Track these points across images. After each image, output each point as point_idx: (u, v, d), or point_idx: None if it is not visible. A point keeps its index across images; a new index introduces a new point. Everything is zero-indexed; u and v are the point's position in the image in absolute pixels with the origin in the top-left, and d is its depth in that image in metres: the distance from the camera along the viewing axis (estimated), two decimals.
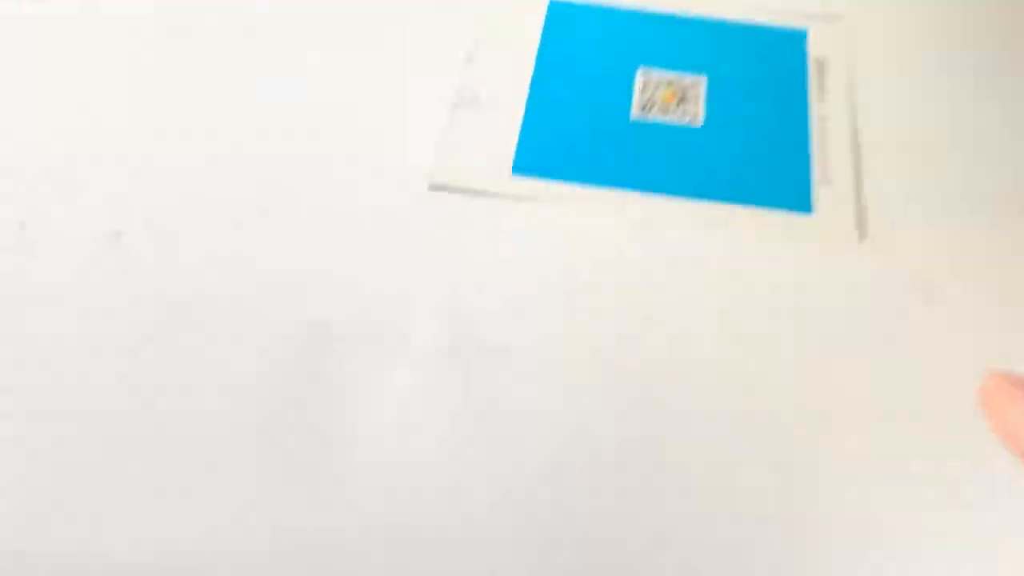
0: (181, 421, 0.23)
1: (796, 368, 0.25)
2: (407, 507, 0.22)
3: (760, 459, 0.23)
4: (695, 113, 0.30)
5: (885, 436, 0.24)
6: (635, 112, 0.30)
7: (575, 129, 0.29)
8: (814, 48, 0.32)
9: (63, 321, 0.25)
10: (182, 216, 0.27)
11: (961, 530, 0.22)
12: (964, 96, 0.31)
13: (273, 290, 0.25)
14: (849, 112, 0.30)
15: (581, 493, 0.22)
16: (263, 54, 0.31)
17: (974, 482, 0.23)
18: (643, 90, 0.30)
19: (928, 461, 0.23)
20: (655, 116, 0.30)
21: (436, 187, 0.28)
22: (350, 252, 0.26)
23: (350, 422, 0.23)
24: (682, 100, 0.30)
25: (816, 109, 0.30)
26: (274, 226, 0.27)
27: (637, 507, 0.22)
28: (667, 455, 0.23)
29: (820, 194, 0.28)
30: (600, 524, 0.22)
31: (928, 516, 0.22)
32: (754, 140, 0.29)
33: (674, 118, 0.30)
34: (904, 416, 0.24)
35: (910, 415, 0.24)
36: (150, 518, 0.22)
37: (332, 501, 0.22)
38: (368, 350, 0.24)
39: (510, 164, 0.29)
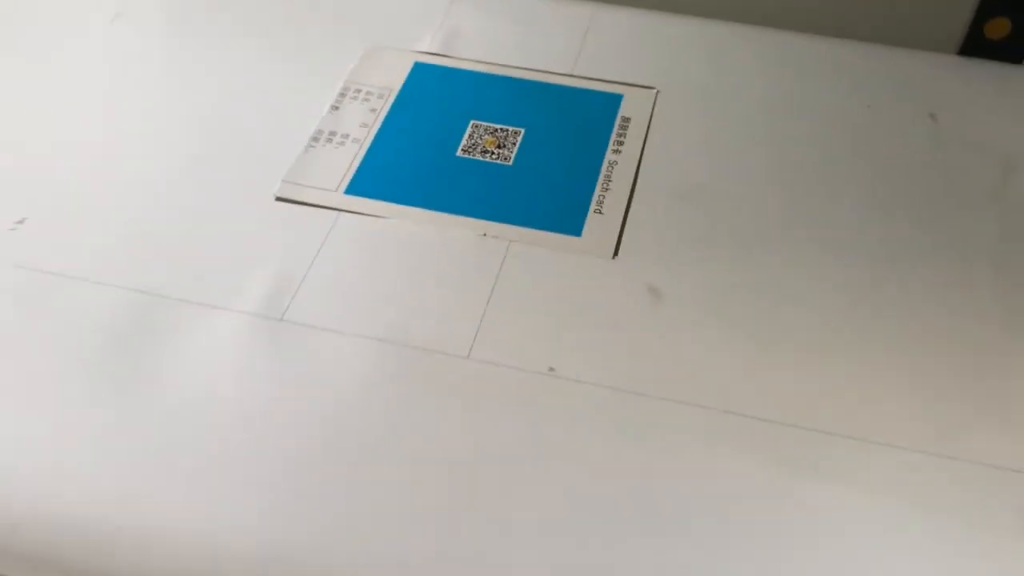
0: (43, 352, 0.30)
1: (549, 345, 0.31)
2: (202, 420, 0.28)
3: (508, 437, 0.29)
4: (508, 156, 0.37)
5: (619, 406, 0.29)
6: (459, 152, 0.37)
7: (407, 162, 0.36)
8: (624, 110, 0.39)
9: None
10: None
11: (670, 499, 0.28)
12: (729, 155, 0.37)
13: (131, 259, 0.32)
14: (635, 160, 0.37)
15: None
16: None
17: (693, 439, 0.28)
18: (470, 136, 0.37)
19: (649, 429, 0.29)
20: (476, 157, 0.37)
21: (280, 199, 0.35)
22: (198, 236, 0.33)
23: (169, 362, 0.30)
24: (501, 145, 0.37)
25: (609, 156, 0.37)
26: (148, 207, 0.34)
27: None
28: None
29: (592, 221, 0.34)
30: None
31: (639, 485, 0.28)
32: (550, 177, 0.36)
33: (491, 158, 0.37)
34: (633, 390, 0.30)
35: (638, 390, 0.30)
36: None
37: (138, 423, 0.29)
38: (198, 311, 0.31)
39: (345, 186, 0.36)
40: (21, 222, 0.34)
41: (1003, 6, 0.47)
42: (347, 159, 0.36)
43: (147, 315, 0.31)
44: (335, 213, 0.35)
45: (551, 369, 0.30)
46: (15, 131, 0.37)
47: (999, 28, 0.49)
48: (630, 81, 0.40)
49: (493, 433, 0.28)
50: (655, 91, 0.39)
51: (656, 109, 0.39)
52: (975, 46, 0.48)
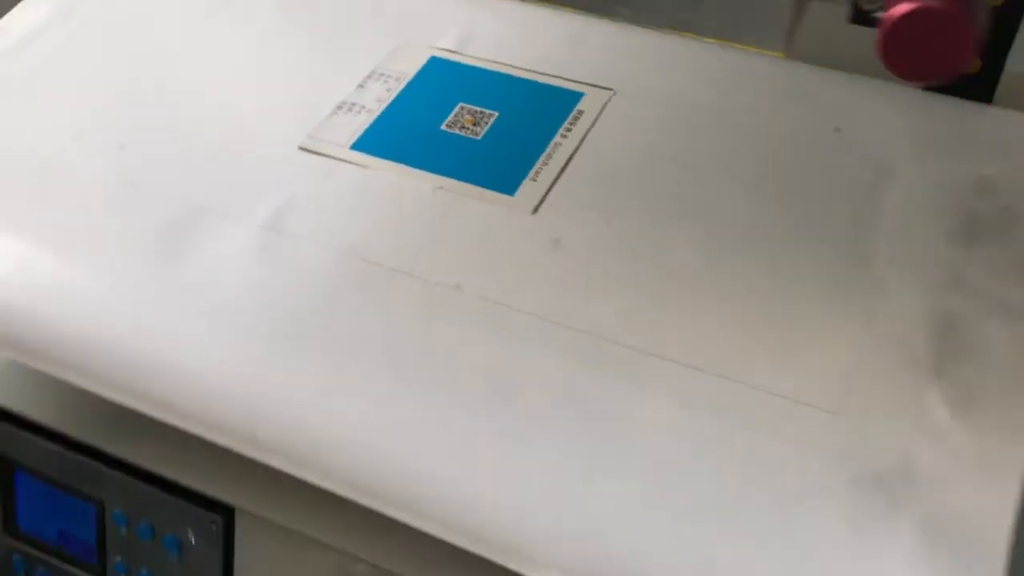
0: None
1: (460, 265, 0.41)
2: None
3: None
4: (479, 132, 0.48)
5: (495, 314, 0.40)
6: (443, 126, 0.48)
7: (399, 130, 0.48)
8: (581, 105, 0.49)
9: None
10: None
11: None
12: (655, 149, 0.47)
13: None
14: (575, 145, 0.47)
15: None
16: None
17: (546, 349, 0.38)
18: (455, 115, 0.49)
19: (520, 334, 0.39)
20: (460, 132, 0.48)
21: (302, 149, 0.47)
22: (237, 164, 0.46)
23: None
24: (476, 124, 0.48)
25: (556, 139, 0.47)
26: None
27: None
28: None
29: (525, 186, 0.45)
30: None
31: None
32: (504, 150, 0.47)
33: (466, 133, 0.48)
34: (533, 315, 0.40)
35: (539, 315, 0.40)
36: None
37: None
38: (227, 221, 0.44)
39: (356, 137, 0.47)
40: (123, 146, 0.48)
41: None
42: (359, 124, 0.48)
43: (192, 214, 0.44)
44: (338, 162, 0.47)
45: (458, 286, 0.41)
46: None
47: None
48: (595, 83, 0.50)
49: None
50: (612, 92, 0.49)
51: (608, 107, 0.49)
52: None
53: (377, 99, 0.50)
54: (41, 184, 0.46)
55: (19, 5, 0.57)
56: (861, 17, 0.25)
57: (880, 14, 0.24)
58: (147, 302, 0.41)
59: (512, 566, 0.35)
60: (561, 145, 0.47)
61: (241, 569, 0.50)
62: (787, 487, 0.34)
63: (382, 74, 0.51)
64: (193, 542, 0.51)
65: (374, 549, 0.44)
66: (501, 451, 0.36)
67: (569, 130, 0.48)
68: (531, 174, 0.46)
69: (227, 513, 0.49)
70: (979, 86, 0.52)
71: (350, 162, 0.47)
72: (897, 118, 0.47)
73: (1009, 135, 0.46)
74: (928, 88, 0.53)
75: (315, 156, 0.47)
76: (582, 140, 0.47)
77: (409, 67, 0.52)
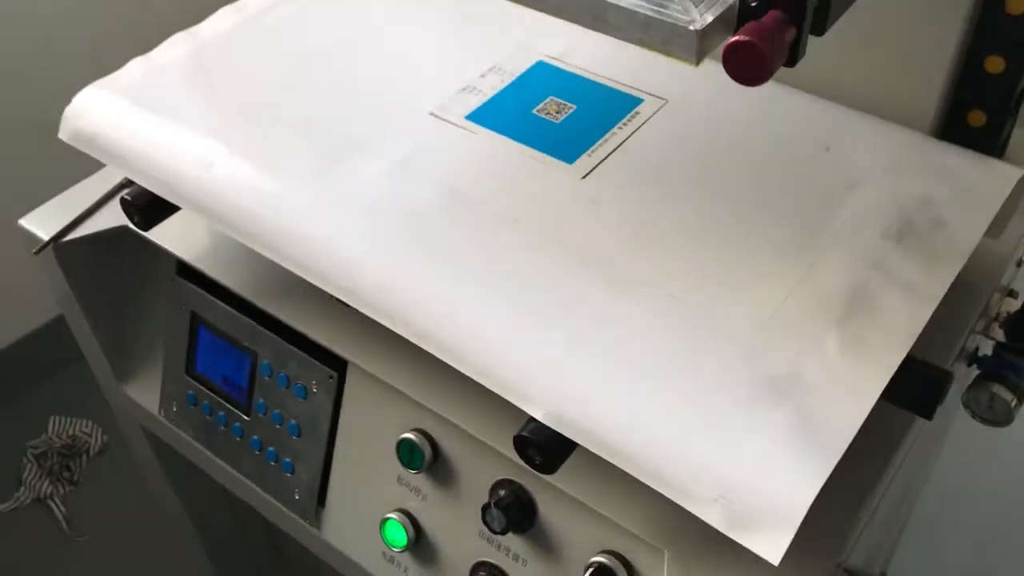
0: None
1: (517, 204, 0.58)
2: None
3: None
4: (559, 117, 0.65)
5: (545, 245, 0.57)
6: (533, 111, 0.65)
7: (502, 110, 0.65)
8: (640, 108, 0.65)
9: None
10: None
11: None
12: (688, 147, 0.62)
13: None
14: (628, 134, 0.63)
15: None
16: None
17: (566, 266, 0.55)
18: (544, 104, 0.66)
19: (554, 251, 0.56)
20: (545, 116, 0.65)
21: (431, 114, 0.66)
22: (383, 119, 0.65)
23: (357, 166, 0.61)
24: (558, 112, 0.65)
25: (614, 129, 0.63)
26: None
27: None
28: None
29: (582, 159, 0.62)
30: None
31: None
32: (573, 131, 0.63)
33: (549, 117, 0.65)
34: (563, 243, 0.57)
35: (566, 243, 0.57)
36: None
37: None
38: (371, 155, 0.63)
39: (471, 110, 0.65)
40: (311, 94, 0.67)
41: (978, 98, 0.66)
42: (475, 102, 0.66)
43: (349, 147, 0.63)
44: (455, 127, 0.65)
45: (517, 219, 0.58)
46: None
47: (977, 118, 0.67)
48: (654, 93, 0.66)
49: None
50: (664, 101, 0.65)
51: (659, 112, 0.65)
52: (954, 131, 0.65)
53: (492, 86, 0.68)
54: (257, 117, 0.66)
55: None
56: None
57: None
58: (311, 198, 0.60)
59: (516, 403, 0.52)
60: (616, 134, 0.63)
61: (346, 416, 0.69)
62: (707, 368, 0.49)
63: (500, 69, 0.69)
64: (315, 391, 0.70)
65: (444, 406, 0.62)
66: (525, 323, 0.53)
67: (625, 124, 0.64)
68: (588, 151, 0.62)
69: (342, 369, 0.68)
70: (987, 143, 0.64)
71: (463, 128, 0.65)
72: (879, 147, 0.61)
73: (959, 167, 0.59)
74: (942, 137, 0.65)
75: (440, 120, 0.65)
76: (632, 133, 0.63)
77: (521, 65, 0.69)
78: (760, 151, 0.62)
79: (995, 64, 0.64)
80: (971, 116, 0.67)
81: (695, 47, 0.40)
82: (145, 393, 0.82)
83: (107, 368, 0.83)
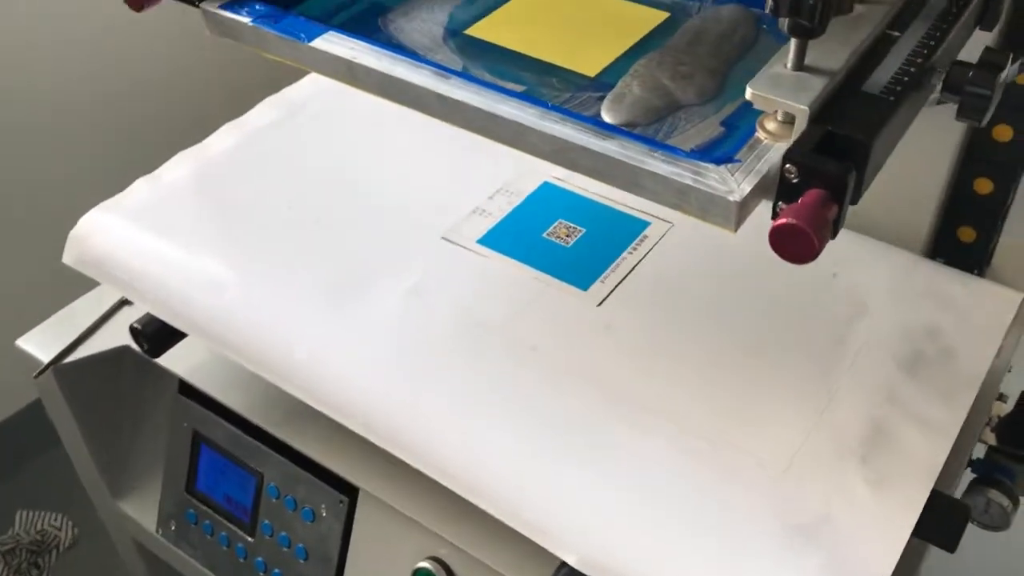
0: None
1: (546, 347, 0.59)
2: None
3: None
4: (569, 241, 0.66)
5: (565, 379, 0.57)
6: (544, 235, 0.66)
7: (513, 233, 0.66)
8: (647, 231, 0.66)
9: None
10: None
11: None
12: (697, 270, 0.63)
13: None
14: (639, 259, 0.64)
15: None
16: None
17: (593, 407, 0.55)
18: (554, 227, 0.67)
19: (571, 383, 0.56)
20: (555, 240, 0.66)
21: (443, 238, 0.66)
22: (397, 245, 0.65)
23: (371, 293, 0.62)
24: (568, 235, 0.66)
25: (624, 254, 0.64)
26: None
27: None
28: None
29: (596, 285, 0.62)
30: None
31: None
32: (585, 255, 0.64)
33: (559, 241, 0.66)
34: (580, 375, 0.57)
35: (583, 374, 0.57)
36: None
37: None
38: (385, 282, 0.63)
39: (482, 234, 0.66)
40: (318, 220, 0.68)
41: (967, 217, 0.68)
42: (486, 225, 0.67)
43: (361, 274, 0.63)
44: (467, 251, 0.65)
45: (534, 348, 0.58)
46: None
47: (967, 234, 0.70)
48: (660, 216, 0.67)
49: None
50: (671, 225, 0.67)
51: (666, 236, 0.66)
52: (946, 246, 0.68)
53: (501, 208, 0.69)
54: (267, 241, 0.66)
55: (255, 107, 0.79)
56: (775, 216, 0.41)
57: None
58: (326, 329, 0.60)
59: (541, 544, 0.52)
60: (626, 259, 0.64)
61: (356, 541, 0.68)
62: (738, 517, 0.50)
63: (508, 190, 0.70)
64: (324, 515, 0.69)
65: (460, 536, 0.61)
66: (550, 462, 0.53)
67: (634, 249, 0.65)
68: (601, 277, 0.63)
69: (353, 494, 0.67)
70: (975, 259, 0.67)
71: (475, 252, 0.65)
72: (882, 272, 0.63)
73: (962, 294, 0.61)
74: (934, 252, 0.68)
75: (452, 245, 0.66)
76: (643, 258, 0.64)
77: (528, 187, 0.70)
78: (767, 277, 0.63)
79: (984, 185, 0.67)
80: (961, 232, 0.70)
81: (734, 217, 0.41)
82: (142, 510, 0.81)
83: (102, 485, 0.81)
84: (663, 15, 0.56)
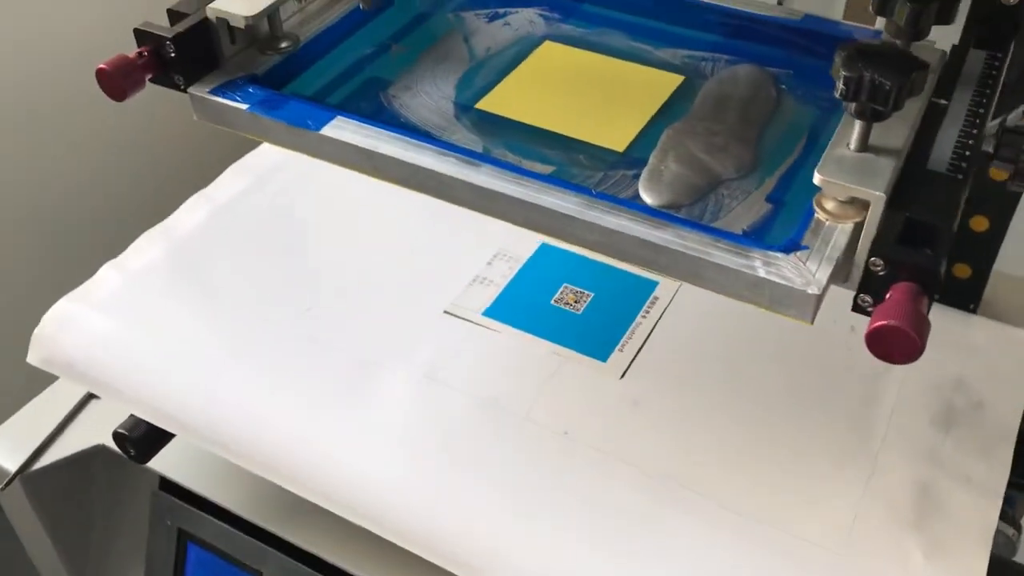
0: None
1: (565, 418, 0.56)
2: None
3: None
4: (579, 307, 0.63)
5: (591, 459, 0.54)
6: (552, 301, 0.64)
7: (520, 302, 0.63)
8: (657, 291, 0.64)
9: None
10: None
11: None
12: (710, 336, 0.61)
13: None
14: (653, 324, 0.62)
15: None
16: None
17: (632, 491, 0.53)
18: (560, 292, 0.64)
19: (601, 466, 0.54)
20: (564, 307, 0.63)
21: (447, 313, 0.63)
22: (403, 323, 0.61)
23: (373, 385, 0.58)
24: (577, 301, 0.64)
25: (638, 319, 0.62)
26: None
27: None
28: None
29: (615, 355, 0.60)
30: None
31: None
32: (599, 324, 0.62)
33: (569, 308, 0.63)
34: (618, 458, 0.55)
35: (620, 458, 0.54)
36: None
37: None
38: (391, 372, 0.59)
39: (487, 306, 0.63)
40: (309, 309, 0.63)
41: (963, 254, 0.68)
42: (489, 295, 0.64)
43: (363, 366, 0.59)
44: (475, 325, 0.62)
45: (566, 433, 0.56)
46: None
47: (962, 271, 0.70)
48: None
49: None
50: (680, 283, 0.65)
51: (677, 294, 0.64)
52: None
53: (502, 275, 0.66)
54: (257, 329, 0.62)
55: (221, 176, 0.74)
56: (859, 309, 0.39)
57: (871, 310, 0.39)
58: (334, 426, 0.56)
59: None
60: (641, 324, 0.62)
61: None
62: None
63: (506, 254, 0.67)
64: None
65: None
66: (582, 550, 0.50)
67: (647, 312, 0.63)
68: (619, 346, 0.61)
69: None
70: (969, 295, 0.67)
71: (484, 326, 0.62)
72: None
73: (983, 341, 0.61)
74: None
75: (457, 319, 0.63)
76: (657, 321, 0.62)
77: (526, 249, 0.67)
78: (786, 333, 0.62)
79: (980, 223, 0.67)
80: (957, 269, 0.70)
81: (812, 309, 0.39)
82: None
83: None
84: (679, 78, 0.54)
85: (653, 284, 0.65)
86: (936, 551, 0.50)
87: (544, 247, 0.68)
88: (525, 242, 0.68)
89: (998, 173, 0.65)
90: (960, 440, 0.55)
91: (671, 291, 0.64)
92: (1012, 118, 0.55)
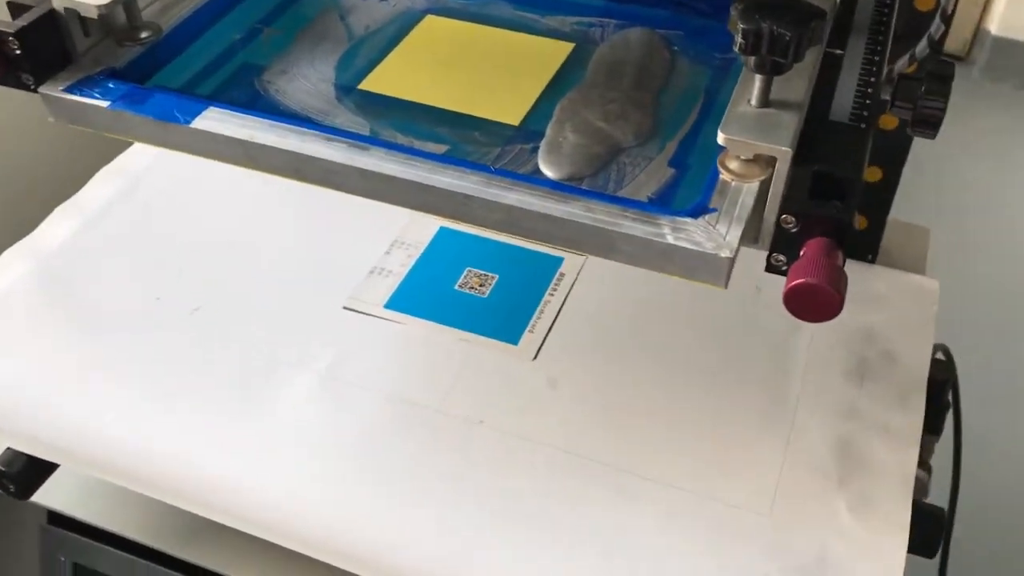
0: None
1: (477, 400, 0.54)
2: None
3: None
4: (485, 291, 0.61)
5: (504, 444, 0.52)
6: (456, 286, 0.61)
7: (422, 291, 0.61)
8: (563, 267, 0.62)
9: None
10: None
11: None
12: (622, 305, 0.60)
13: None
14: (560, 302, 0.60)
15: None
16: None
17: (548, 471, 0.51)
18: (464, 277, 0.62)
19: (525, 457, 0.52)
20: (470, 292, 0.61)
21: (346, 308, 0.60)
22: (295, 316, 0.58)
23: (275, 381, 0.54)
24: (482, 284, 0.61)
25: (546, 297, 0.60)
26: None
27: None
28: None
29: (525, 337, 0.58)
30: None
31: None
32: (506, 307, 0.60)
33: (474, 292, 0.61)
34: (540, 443, 0.52)
35: (542, 442, 0.52)
36: None
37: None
38: (291, 371, 0.56)
39: (388, 297, 0.60)
40: (196, 310, 0.59)
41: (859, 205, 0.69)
42: (389, 286, 0.61)
43: (258, 366, 0.56)
44: (376, 319, 0.59)
45: (481, 421, 0.53)
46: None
47: (859, 222, 0.70)
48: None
49: None
50: (585, 257, 0.63)
51: (583, 270, 0.62)
52: None
53: (401, 263, 0.63)
54: (146, 344, 0.57)
55: (89, 182, 0.69)
56: (773, 269, 0.38)
57: (785, 269, 0.38)
58: (237, 439, 0.53)
59: None
60: (550, 302, 0.60)
61: None
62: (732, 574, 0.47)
63: (403, 242, 0.64)
64: None
65: None
66: (507, 552, 0.48)
67: (555, 290, 0.61)
68: (529, 327, 0.59)
69: None
70: (867, 246, 0.67)
71: (386, 319, 0.59)
72: None
73: (885, 290, 0.61)
74: None
75: (358, 315, 0.59)
76: (566, 298, 0.61)
77: (424, 236, 0.65)
78: (694, 299, 0.61)
79: (874, 174, 0.67)
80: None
81: (725, 273, 0.38)
82: None
83: None
84: (568, 46, 0.52)
85: (559, 260, 0.63)
86: (861, 504, 0.50)
87: (443, 231, 0.65)
88: (423, 228, 0.65)
89: (889, 121, 0.66)
90: (874, 391, 0.55)
91: (577, 266, 0.63)
92: (900, 65, 0.55)
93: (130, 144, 0.71)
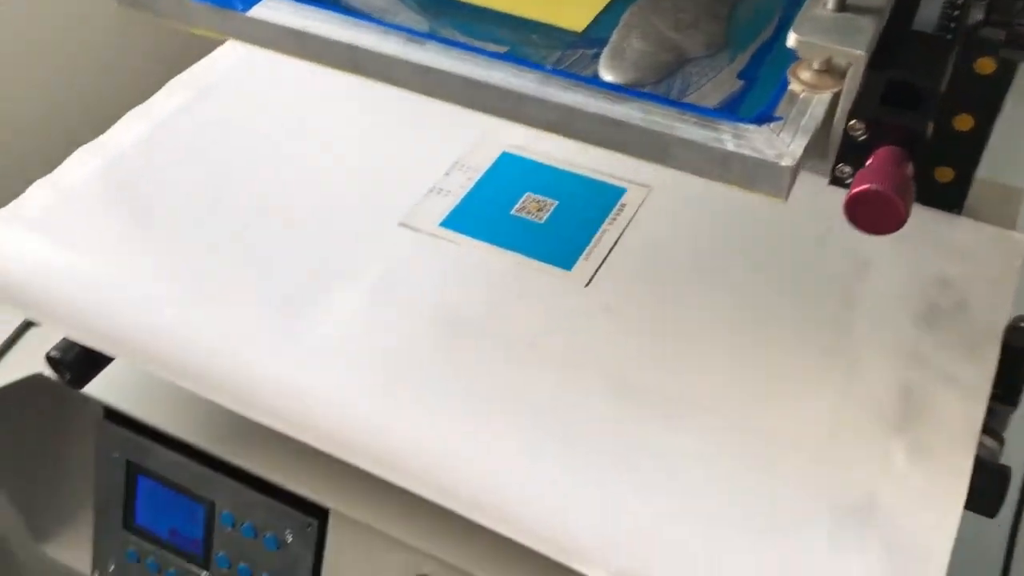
0: None
1: (539, 321, 0.53)
2: None
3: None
4: (543, 217, 0.59)
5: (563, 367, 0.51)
6: (513, 211, 0.60)
7: (480, 213, 0.60)
8: (624, 199, 0.61)
9: None
10: None
11: None
12: (681, 242, 0.58)
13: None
14: (620, 232, 0.58)
15: None
16: None
17: (603, 397, 0.50)
18: (522, 202, 0.60)
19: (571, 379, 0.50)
20: (527, 216, 0.60)
21: (401, 225, 0.59)
22: (354, 231, 0.58)
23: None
24: (540, 210, 0.60)
25: (604, 226, 0.59)
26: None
27: None
28: None
29: (580, 263, 0.57)
30: None
31: None
32: (564, 233, 0.58)
33: (531, 217, 0.59)
34: (589, 368, 0.51)
35: (592, 367, 0.51)
36: None
37: None
38: (343, 284, 0.55)
39: (444, 216, 0.59)
40: (259, 215, 0.59)
41: (946, 155, 0.65)
42: (446, 206, 0.60)
43: (314, 279, 0.56)
44: (431, 237, 0.58)
45: (532, 344, 0.52)
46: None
47: (944, 174, 0.67)
48: (635, 180, 0.62)
49: None
50: (649, 189, 0.61)
51: (645, 201, 0.60)
52: (921, 186, 0.65)
53: (460, 185, 0.62)
54: (203, 245, 0.58)
55: (160, 91, 0.69)
56: (837, 181, 0.36)
57: (849, 181, 0.36)
58: (287, 342, 0.53)
59: (566, 562, 0.46)
60: (607, 232, 0.59)
61: (329, 566, 0.61)
62: (781, 512, 0.45)
63: (464, 164, 0.63)
64: (290, 541, 0.62)
65: (446, 549, 0.55)
66: (556, 467, 0.47)
67: (614, 220, 0.59)
68: (584, 254, 0.57)
69: (322, 516, 0.60)
70: (952, 198, 0.64)
71: (441, 237, 0.58)
72: None
73: (967, 242, 0.58)
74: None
75: (413, 231, 0.59)
76: (624, 229, 0.59)
77: (485, 159, 0.64)
78: (760, 238, 0.58)
79: (965, 122, 0.64)
80: (938, 172, 0.66)
81: (787, 183, 0.36)
82: (71, 553, 0.72)
83: (22, 530, 0.71)
84: None
85: (620, 191, 0.61)
86: (919, 452, 0.47)
87: (505, 156, 0.64)
88: (485, 151, 0.64)
89: (986, 64, 0.62)
90: (943, 340, 0.52)
91: (640, 197, 0.61)
92: None
93: (200, 56, 0.71)
